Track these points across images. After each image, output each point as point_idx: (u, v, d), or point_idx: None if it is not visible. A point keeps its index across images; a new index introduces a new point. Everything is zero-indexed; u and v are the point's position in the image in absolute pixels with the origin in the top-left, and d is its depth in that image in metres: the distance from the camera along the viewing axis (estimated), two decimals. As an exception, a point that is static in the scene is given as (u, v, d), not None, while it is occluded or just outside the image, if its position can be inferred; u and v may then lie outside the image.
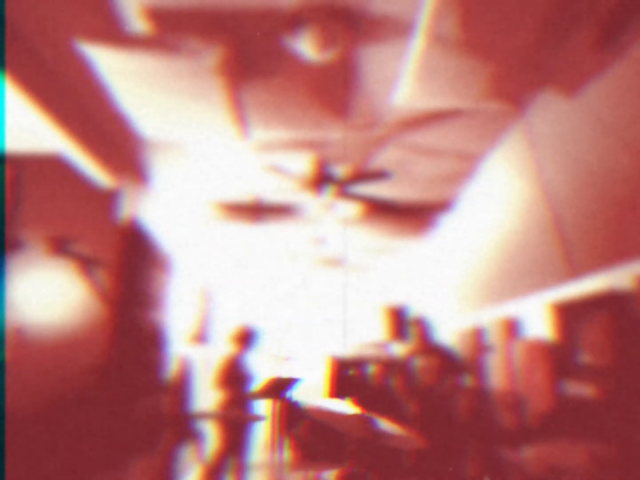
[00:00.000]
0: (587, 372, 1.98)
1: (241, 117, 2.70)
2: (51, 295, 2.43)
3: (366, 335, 8.39)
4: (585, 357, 2.02)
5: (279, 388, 2.63)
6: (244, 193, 4.05)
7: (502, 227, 3.15)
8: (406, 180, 3.72)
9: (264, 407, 6.27)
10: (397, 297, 6.96)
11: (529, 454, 1.86)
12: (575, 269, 2.18)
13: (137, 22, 1.95)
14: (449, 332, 4.42)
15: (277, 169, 3.39)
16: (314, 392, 7.59)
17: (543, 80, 2.34)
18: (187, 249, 4.56)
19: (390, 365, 3.60)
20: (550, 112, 2.38)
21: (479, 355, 3.49)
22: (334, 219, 4.75)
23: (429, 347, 2.99)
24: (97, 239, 2.83)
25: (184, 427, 3.95)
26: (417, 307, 5.70)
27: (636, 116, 1.69)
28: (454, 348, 4.05)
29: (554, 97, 2.33)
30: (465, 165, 3.45)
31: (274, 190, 3.99)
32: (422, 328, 3.08)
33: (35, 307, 2.32)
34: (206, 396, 4.85)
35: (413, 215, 4.60)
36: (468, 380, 3.49)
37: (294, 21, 1.93)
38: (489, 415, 2.89)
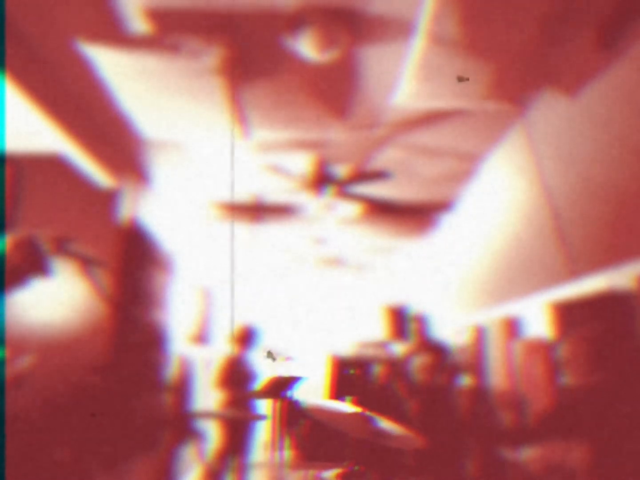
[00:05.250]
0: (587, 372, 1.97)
1: (241, 117, 2.70)
2: (51, 295, 2.43)
3: (366, 335, 8.39)
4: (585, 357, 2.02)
5: (279, 388, 2.63)
6: (244, 193, 4.05)
7: (502, 227, 3.15)
8: (406, 180, 3.72)
9: (265, 406, 6.26)
10: (397, 297, 6.97)
11: (529, 454, 1.86)
12: (575, 269, 2.19)
13: (138, 22, 1.94)
14: (449, 332, 4.42)
15: (278, 169, 3.39)
16: (314, 391, 7.60)
17: (543, 80, 2.34)
18: (187, 249, 4.56)
19: (390, 365, 3.60)
20: (551, 112, 2.38)
21: (479, 355, 3.49)
22: (334, 219, 4.75)
23: (426, 344, 3.00)
24: (97, 239, 2.83)
25: (184, 427, 3.95)
26: (417, 307, 5.70)
27: (637, 116, 1.69)
28: (452, 346, 4.05)
29: (555, 97, 2.32)
30: (466, 165, 3.45)
31: (274, 190, 3.99)
32: (422, 325, 3.09)
33: (35, 307, 2.32)
34: (207, 396, 4.85)
35: (413, 215, 4.60)
36: (467, 380, 3.49)
37: (294, 21, 1.93)
38: (489, 415, 2.89)
